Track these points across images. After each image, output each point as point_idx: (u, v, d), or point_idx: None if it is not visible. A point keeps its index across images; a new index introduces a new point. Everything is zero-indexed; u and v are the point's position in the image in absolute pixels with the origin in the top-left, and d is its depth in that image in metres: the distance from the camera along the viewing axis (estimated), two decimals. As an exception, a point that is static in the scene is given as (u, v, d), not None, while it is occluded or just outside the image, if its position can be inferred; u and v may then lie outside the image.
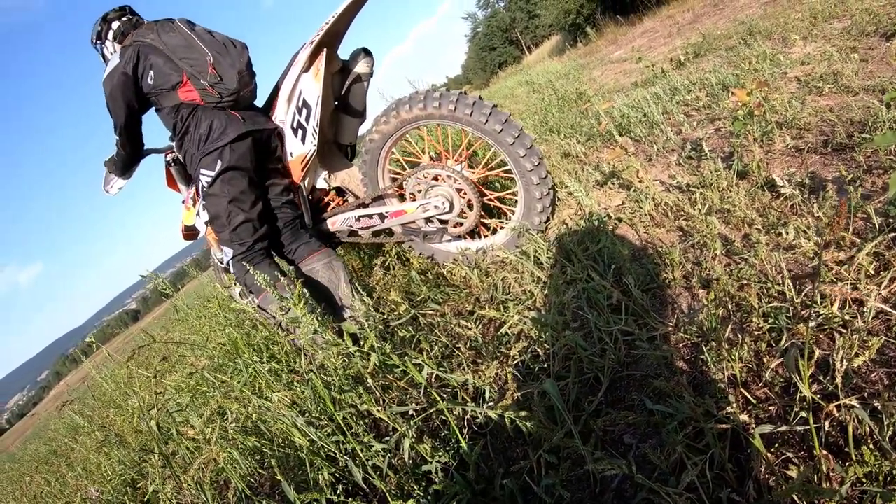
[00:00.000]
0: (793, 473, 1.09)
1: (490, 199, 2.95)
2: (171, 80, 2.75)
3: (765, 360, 1.41)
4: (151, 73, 2.76)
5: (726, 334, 1.46)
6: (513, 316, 2.03)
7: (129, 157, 3.14)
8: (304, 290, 2.34)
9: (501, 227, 2.99)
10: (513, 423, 1.46)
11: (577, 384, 1.60)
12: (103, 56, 3.09)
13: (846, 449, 1.10)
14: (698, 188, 2.42)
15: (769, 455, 1.14)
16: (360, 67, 3.06)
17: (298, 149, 2.96)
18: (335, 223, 3.26)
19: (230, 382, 2.34)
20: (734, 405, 1.22)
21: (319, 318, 1.88)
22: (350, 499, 1.46)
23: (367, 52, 3.07)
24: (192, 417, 2.32)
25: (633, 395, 1.53)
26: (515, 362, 1.86)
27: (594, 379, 1.65)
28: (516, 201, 2.84)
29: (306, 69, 2.80)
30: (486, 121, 2.56)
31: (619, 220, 2.52)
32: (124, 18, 3.00)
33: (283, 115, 2.95)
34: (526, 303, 2.20)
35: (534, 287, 2.26)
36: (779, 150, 2.56)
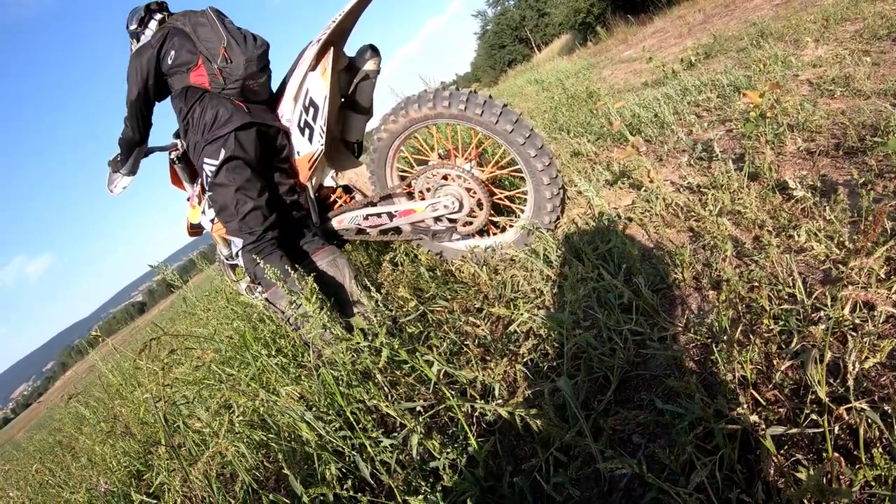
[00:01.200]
0: (802, 475, 1.09)
1: (500, 199, 2.95)
2: (188, 61, 2.78)
3: (775, 362, 1.41)
4: (173, 52, 2.79)
5: (737, 335, 1.45)
6: (522, 314, 2.03)
7: (133, 138, 3.09)
8: (315, 286, 2.35)
9: (510, 226, 2.99)
10: (522, 420, 1.46)
11: (586, 383, 1.61)
12: (138, 40, 3.12)
13: (855, 452, 1.11)
14: (709, 189, 2.42)
15: (779, 457, 1.14)
16: (368, 65, 3.04)
17: (305, 148, 2.96)
18: (342, 221, 3.26)
19: (237, 376, 2.34)
20: (745, 406, 1.22)
21: (329, 314, 1.89)
22: (357, 494, 1.46)
23: (374, 49, 3.05)
24: (199, 410, 2.32)
25: (643, 395, 1.54)
26: (524, 360, 1.86)
27: (603, 378, 1.65)
28: (526, 200, 2.84)
29: (313, 68, 2.78)
30: (497, 120, 2.55)
31: (630, 219, 2.52)
32: (165, 14, 3.02)
33: (289, 115, 2.94)
34: (535, 301, 2.21)
35: (543, 285, 2.26)
36: (790, 153, 2.56)
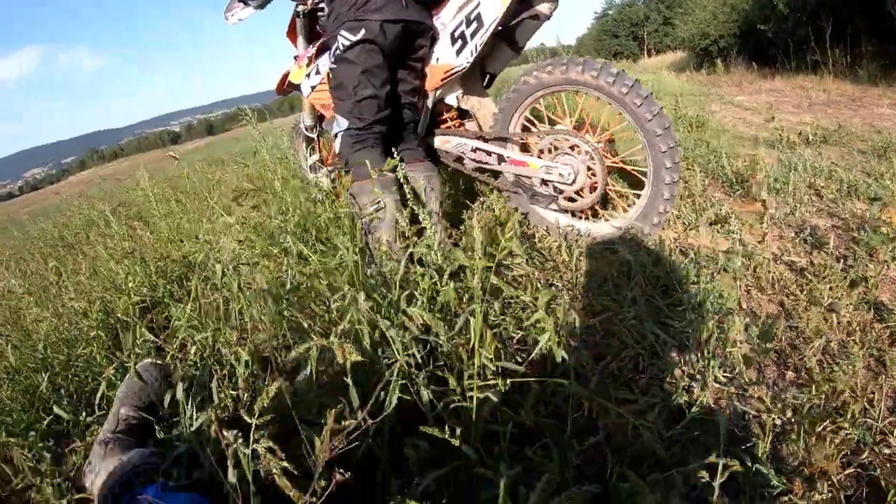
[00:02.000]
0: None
1: (611, 189, 2.96)
2: None
3: (835, 462, 1.48)
4: None
5: (819, 430, 1.52)
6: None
7: None
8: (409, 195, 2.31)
9: (606, 219, 3.01)
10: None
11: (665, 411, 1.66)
12: None
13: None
14: (810, 276, 2.44)
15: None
16: (542, 7, 2.95)
17: (448, 58, 2.90)
18: (447, 143, 3.24)
19: (311, 259, 2.23)
20: (821, 492, 1.30)
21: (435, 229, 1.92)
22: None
23: None
24: (255, 274, 2.20)
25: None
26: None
27: (677, 410, 1.72)
28: (634, 201, 2.85)
29: None
30: (651, 119, 2.54)
31: (726, 269, 2.54)
32: None
33: (447, 19, 2.86)
34: (625, 308, 2.24)
35: (639, 293, 2.31)
36: (891, 277, 2.57)
